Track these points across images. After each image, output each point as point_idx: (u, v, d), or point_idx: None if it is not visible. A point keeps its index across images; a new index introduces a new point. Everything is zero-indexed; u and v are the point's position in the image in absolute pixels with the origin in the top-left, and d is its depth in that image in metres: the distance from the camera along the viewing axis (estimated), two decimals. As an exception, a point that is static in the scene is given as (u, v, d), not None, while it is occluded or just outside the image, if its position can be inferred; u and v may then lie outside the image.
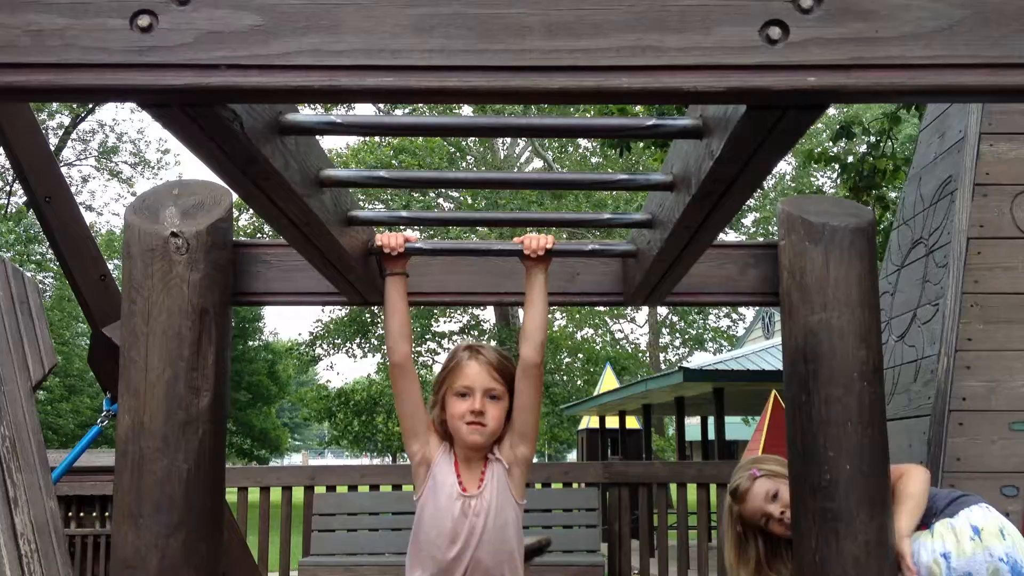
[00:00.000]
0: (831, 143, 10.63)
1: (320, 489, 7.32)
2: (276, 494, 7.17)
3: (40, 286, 25.80)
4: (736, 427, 25.65)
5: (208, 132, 1.41)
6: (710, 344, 35.55)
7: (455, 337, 29.24)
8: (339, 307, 28.84)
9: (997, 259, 3.80)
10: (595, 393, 21.27)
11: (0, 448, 3.04)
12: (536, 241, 2.50)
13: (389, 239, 2.54)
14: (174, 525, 2.42)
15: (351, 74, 1.24)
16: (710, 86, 1.24)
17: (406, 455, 2.72)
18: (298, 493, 7.25)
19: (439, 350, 28.67)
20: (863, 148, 10.52)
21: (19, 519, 2.98)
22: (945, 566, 2.74)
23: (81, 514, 6.96)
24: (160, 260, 2.51)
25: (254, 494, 7.12)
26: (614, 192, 22.59)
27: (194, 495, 2.45)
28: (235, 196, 2.07)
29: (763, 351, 17.42)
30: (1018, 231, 3.87)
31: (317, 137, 1.87)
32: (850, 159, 10.36)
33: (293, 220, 1.92)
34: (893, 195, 10.45)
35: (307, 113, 1.66)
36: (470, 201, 25.70)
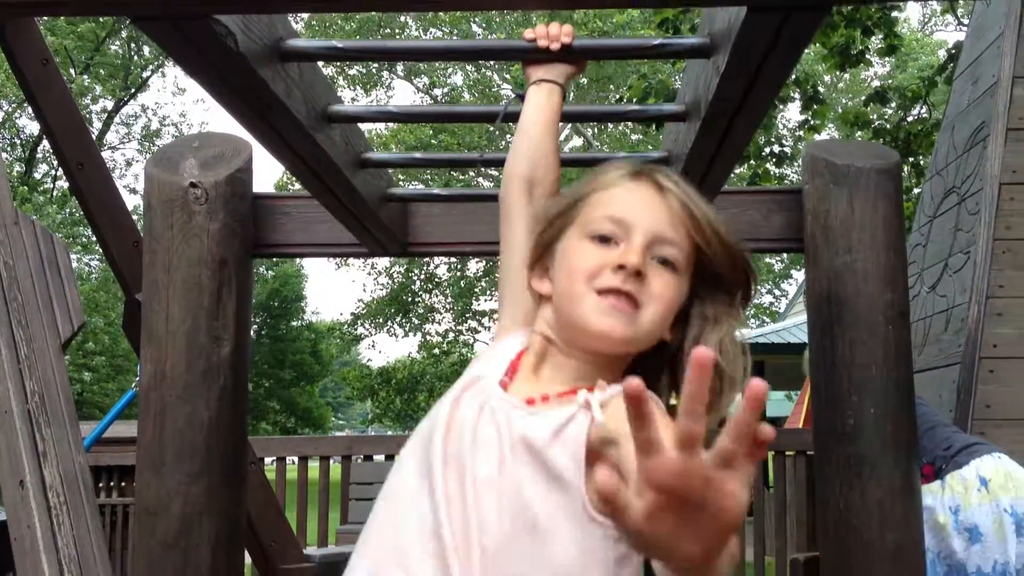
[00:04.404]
0: (866, 107, 10.48)
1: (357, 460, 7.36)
2: (314, 472, 7.19)
3: (86, 267, 26.18)
4: (779, 403, 25.31)
5: (203, 50, 1.40)
6: (752, 321, 35.31)
7: (496, 316, 29.10)
8: (380, 287, 28.92)
9: (1030, 205, 3.70)
10: (635, 370, 21.12)
11: (29, 403, 3.08)
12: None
13: (544, 28, 1.61)
14: (196, 472, 2.43)
15: (340, -20, 1.23)
16: (705, -16, 1.21)
17: None
18: (336, 470, 7.27)
19: (479, 328, 28.49)
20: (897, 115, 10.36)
21: (48, 472, 3.02)
22: (953, 520, 2.72)
23: (123, 484, 7.02)
24: (179, 211, 2.51)
25: (292, 472, 7.15)
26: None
27: (216, 443, 2.45)
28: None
29: (805, 323, 17.17)
30: (1051, 176, 3.76)
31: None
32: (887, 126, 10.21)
33: (302, 156, 1.91)
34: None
35: (307, 39, 1.65)
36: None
